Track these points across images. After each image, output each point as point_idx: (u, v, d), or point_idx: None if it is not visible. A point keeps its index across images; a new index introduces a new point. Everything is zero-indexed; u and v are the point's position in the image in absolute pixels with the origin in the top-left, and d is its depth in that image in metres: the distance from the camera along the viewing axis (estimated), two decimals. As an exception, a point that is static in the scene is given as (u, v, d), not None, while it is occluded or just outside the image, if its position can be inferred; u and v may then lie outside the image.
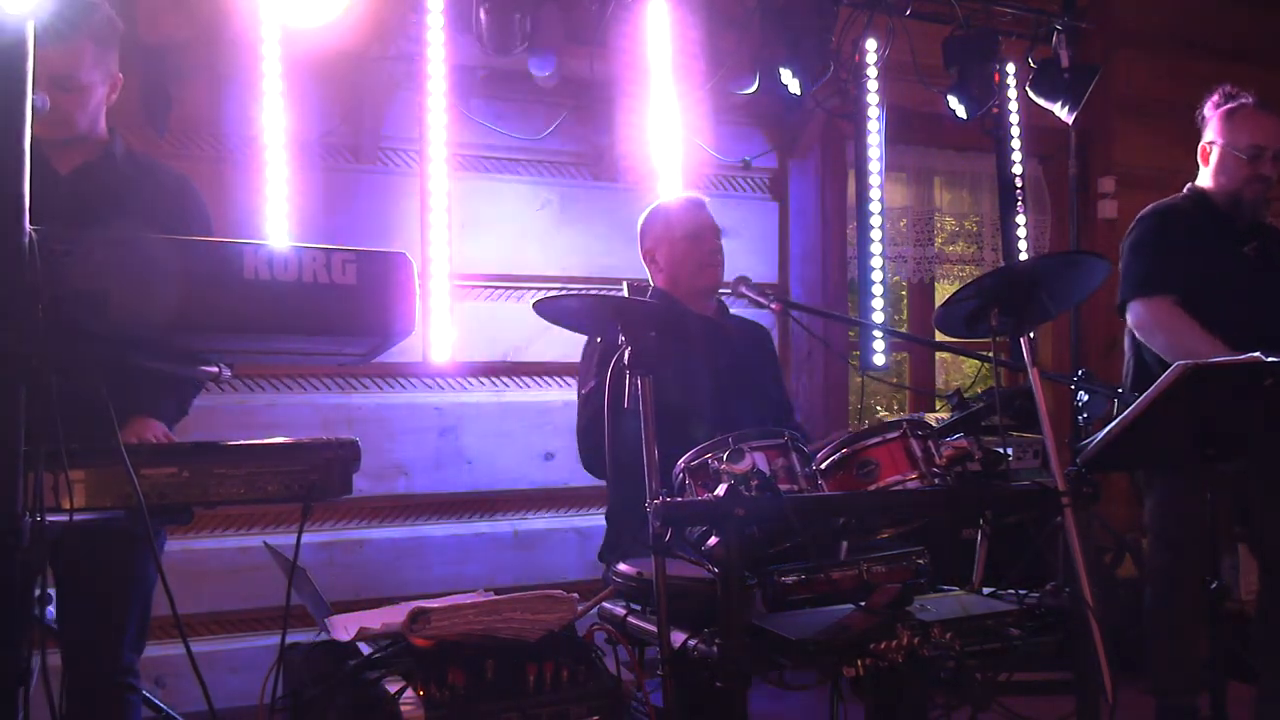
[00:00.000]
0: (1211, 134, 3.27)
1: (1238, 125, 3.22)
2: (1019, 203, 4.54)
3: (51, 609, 2.31)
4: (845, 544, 2.42)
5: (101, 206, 2.33)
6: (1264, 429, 2.57)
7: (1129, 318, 3.18)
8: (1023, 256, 4.52)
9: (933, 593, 2.33)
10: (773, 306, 2.98)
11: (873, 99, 4.22)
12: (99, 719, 2.33)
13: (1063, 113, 4.38)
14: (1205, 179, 3.30)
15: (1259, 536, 3.10)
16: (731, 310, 3.27)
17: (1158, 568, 3.24)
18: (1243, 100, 3.25)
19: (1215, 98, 3.30)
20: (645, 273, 3.16)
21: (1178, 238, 3.17)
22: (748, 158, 4.25)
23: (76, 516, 1.69)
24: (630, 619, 2.36)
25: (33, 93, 1.53)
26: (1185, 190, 3.34)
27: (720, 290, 3.15)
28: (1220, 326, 3.01)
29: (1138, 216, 3.32)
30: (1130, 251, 3.24)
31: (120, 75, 2.49)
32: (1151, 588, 3.25)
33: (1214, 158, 3.26)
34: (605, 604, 2.46)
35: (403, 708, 1.87)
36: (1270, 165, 3.20)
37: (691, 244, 3.03)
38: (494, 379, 3.89)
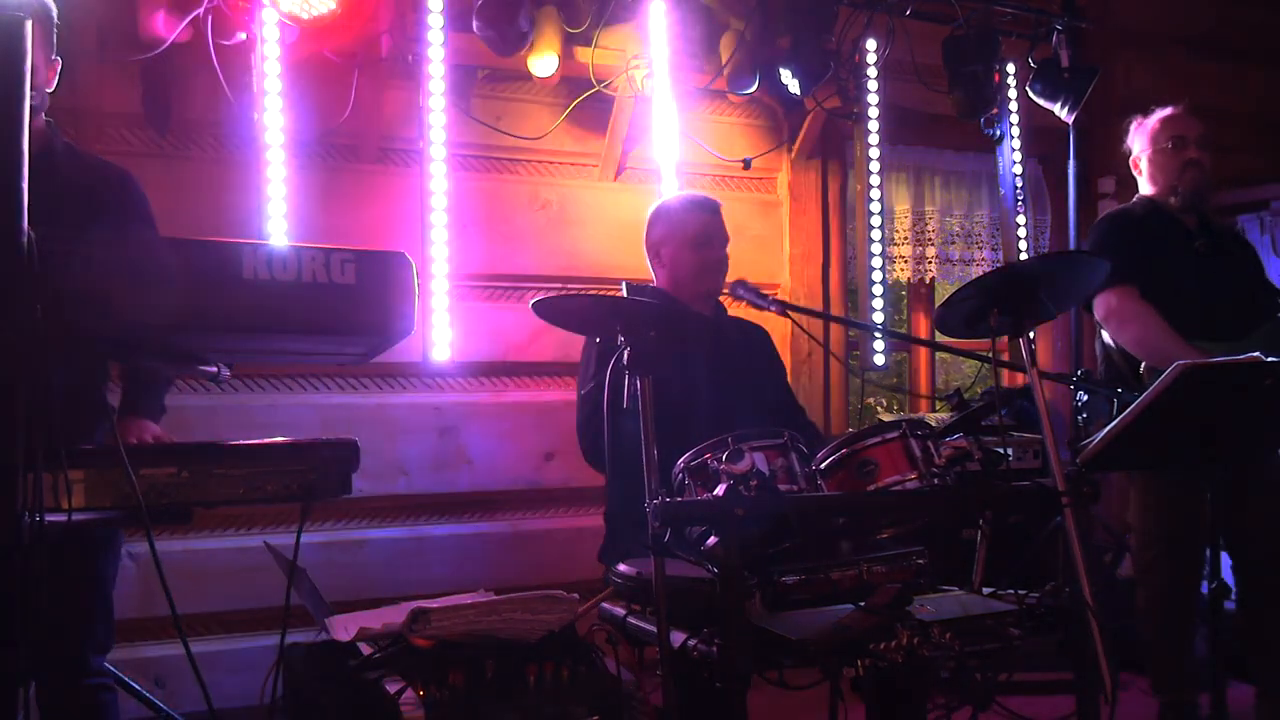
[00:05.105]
0: (1136, 147, 3.46)
1: (1155, 127, 3.40)
2: (1019, 203, 4.54)
3: None
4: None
5: (41, 205, 2.28)
6: (1263, 429, 2.58)
7: (1098, 310, 3.25)
8: (1023, 256, 4.52)
9: (933, 593, 2.33)
10: (772, 308, 2.98)
11: (873, 99, 4.22)
12: None
13: (1063, 113, 4.38)
14: (1145, 187, 3.45)
15: (1242, 534, 3.11)
16: (731, 312, 3.26)
17: (1146, 566, 3.26)
18: (1152, 113, 3.44)
19: (1131, 125, 3.50)
20: (645, 271, 3.14)
21: (1133, 237, 3.30)
22: (748, 158, 4.24)
23: (75, 516, 1.68)
24: (630, 619, 2.35)
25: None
26: (1135, 199, 3.48)
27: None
28: (1174, 321, 3.12)
29: (1094, 224, 3.50)
30: (1093, 252, 3.31)
31: (59, 60, 2.45)
32: (1142, 588, 3.27)
33: (1144, 164, 3.43)
34: (605, 604, 2.45)
35: (403, 708, 1.87)
36: (1196, 151, 3.33)
37: (697, 250, 2.99)
38: (494, 379, 3.89)
